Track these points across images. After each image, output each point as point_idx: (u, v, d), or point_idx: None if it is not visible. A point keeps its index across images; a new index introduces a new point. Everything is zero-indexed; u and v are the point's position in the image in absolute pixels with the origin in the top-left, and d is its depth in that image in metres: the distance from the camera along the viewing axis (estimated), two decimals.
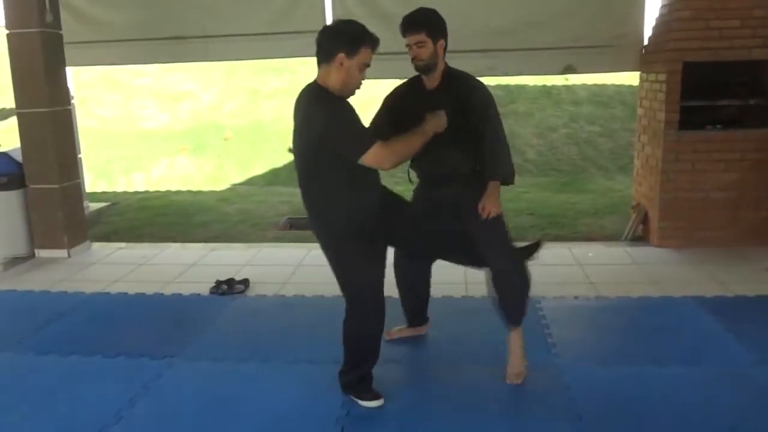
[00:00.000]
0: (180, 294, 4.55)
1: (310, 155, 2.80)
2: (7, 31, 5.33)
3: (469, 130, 3.08)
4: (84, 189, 6.73)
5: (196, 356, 3.60)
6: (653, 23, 5.34)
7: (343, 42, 2.72)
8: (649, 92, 5.41)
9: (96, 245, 5.91)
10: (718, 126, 5.09)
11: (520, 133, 10.36)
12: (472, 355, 3.52)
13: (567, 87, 11.96)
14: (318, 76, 2.80)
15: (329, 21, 5.25)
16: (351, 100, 2.84)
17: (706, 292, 4.26)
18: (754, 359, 3.35)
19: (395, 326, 3.62)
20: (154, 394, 3.21)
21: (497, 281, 3.17)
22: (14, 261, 5.43)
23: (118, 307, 4.40)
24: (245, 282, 4.64)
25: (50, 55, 5.38)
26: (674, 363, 3.34)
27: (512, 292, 3.18)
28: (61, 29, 5.48)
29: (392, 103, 3.26)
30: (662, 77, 5.07)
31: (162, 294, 4.57)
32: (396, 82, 3.35)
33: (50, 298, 4.57)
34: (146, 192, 9.07)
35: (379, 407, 3.01)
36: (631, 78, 9.75)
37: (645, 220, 5.53)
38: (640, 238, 5.57)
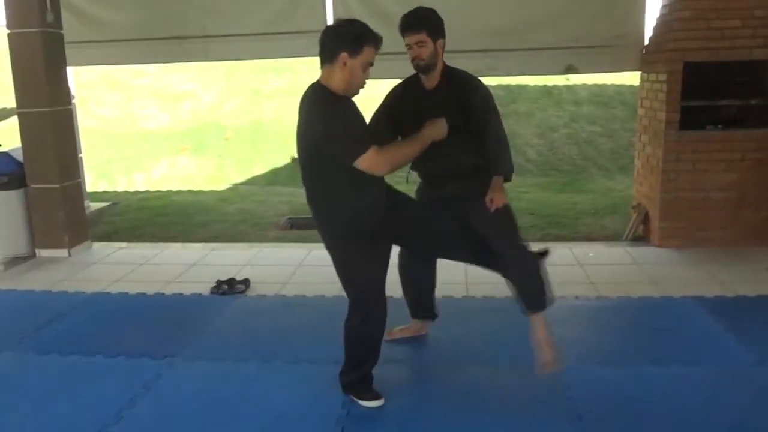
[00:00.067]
0: (180, 294, 4.55)
1: (312, 155, 2.80)
2: (8, 31, 5.33)
3: (469, 130, 3.08)
4: (85, 189, 6.72)
5: (197, 356, 3.60)
6: (654, 23, 5.34)
7: (346, 42, 2.71)
8: (649, 92, 5.41)
9: (97, 245, 5.92)
10: (719, 126, 5.09)
11: (520, 133, 10.36)
12: (472, 355, 3.53)
13: (568, 87, 11.96)
14: (321, 76, 2.80)
15: (330, 21, 5.24)
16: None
17: (706, 292, 4.26)
18: (755, 359, 3.35)
19: (396, 326, 3.61)
20: (154, 394, 3.21)
21: (511, 271, 3.17)
22: (15, 261, 5.43)
23: (119, 306, 4.40)
24: (246, 282, 4.64)
25: (51, 54, 5.39)
26: (675, 363, 3.34)
27: (528, 279, 3.18)
28: (61, 29, 5.49)
29: (391, 103, 3.26)
30: (663, 77, 5.07)
31: (162, 294, 4.57)
32: (396, 82, 3.35)
33: (51, 297, 4.58)
34: (147, 192, 9.07)
35: (380, 407, 3.01)
36: (631, 78, 9.75)
37: (645, 220, 5.53)
38: (640, 238, 5.57)
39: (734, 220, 5.15)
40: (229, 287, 4.56)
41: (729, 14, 4.88)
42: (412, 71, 3.17)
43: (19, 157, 5.53)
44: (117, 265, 5.26)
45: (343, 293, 3.04)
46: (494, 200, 3.00)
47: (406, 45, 3.05)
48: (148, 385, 3.28)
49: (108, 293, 4.61)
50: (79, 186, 5.92)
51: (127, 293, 4.59)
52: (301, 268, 5.03)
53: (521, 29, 5.23)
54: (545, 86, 11.96)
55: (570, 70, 5.35)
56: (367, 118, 3.01)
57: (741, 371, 3.26)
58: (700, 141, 5.07)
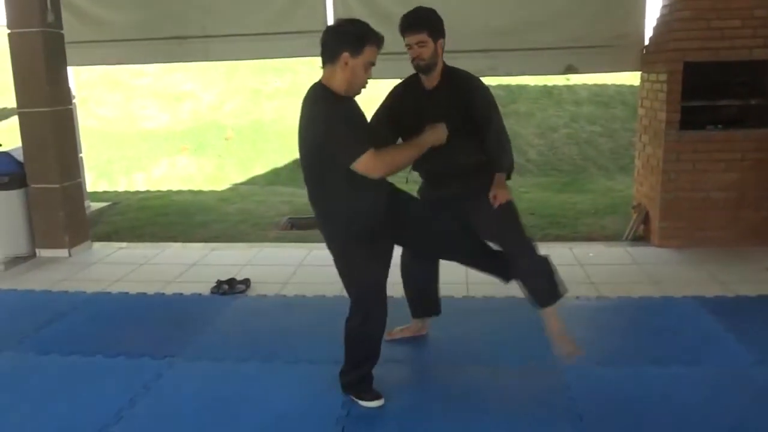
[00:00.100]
0: (181, 294, 4.56)
1: (313, 155, 2.80)
2: (9, 31, 5.33)
3: (468, 130, 3.08)
4: (85, 188, 6.73)
5: (197, 356, 3.60)
6: (654, 23, 5.34)
7: (348, 41, 2.71)
8: (650, 92, 5.41)
9: (97, 245, 5.92)
10: (719, 126, 5.09)
11: (521, 133, 10.35)
12: (472, 355, 3.53)
13: (568, 87, 11.96)
14: (323, 76, 2.80)
15: (330, 21, 5.25)
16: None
17: (706, 292, 4.26)
18: (755, 359, 3.35)
19: (396, 326, 3.61)
20: (154, 394, 3.22)
21: (518, 267, 3.17)
22: (15, 260, 5.43)
23: (119, 306, 4.40)
24: (246, 282, 4.64)
25: (51, 54, 5.39)
26: (675, 363, 3.34)
27: (535, 274, 3.18)
28: (62, 29, 5.49)
29: (392, 103, 3.26)
30: (663, 77, 5.07)
31: (163, 294, 4.57)
32: (395, 82, 3.35)
33: (51, 297, 4.58)
34: (147, 192, 9.08)
35: (380, 407, 3.01)
36: (632, 78, 9.75)
37: (646, 220, 5.53)
38: (640, 238, 5.57)
39: (734, 220, 5.15)
40: (230, 287, 4.57)
41: (729, 14, 4.88)
42: (411, 71, 3.17)
43: (20, 156, 5.53)
44: (117, 265, 5.26)
45: (344, 293, 3.04)
46: (497, 196, 3.01)
47: (407, 45, 3.05)
48: (148, 385, 3.28)
49: (108, 293, 4.62)
50: (80, 186, 5.92)
51: (127, 293, 4.59)
52: (302, 268, 5.03)
53: (521, 29, 5.24)
54: (545, 86, 11.95)
55: (570, 70, 5.36)
56: (369, 118, 3.02)
57: (741, 371, 3.26)
58: (701, 141, 5.07)
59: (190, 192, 8.95)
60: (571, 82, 11.96)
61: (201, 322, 4.04)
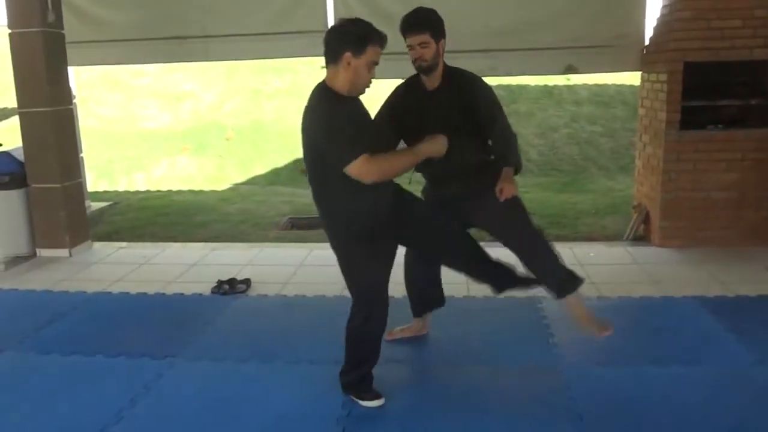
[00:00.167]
0: (181, 294, 4.56)
1: (315, 155, 2.80)
2: (9, 31, 5.33)
3: (470, 129, 3.09)
4: (85, 188, 6.73)
5: (197, 356, 3.60)
6: (654, 23, 5.33)
7: (350, 41, 2.71)
8: (650, 92, 5.41)
9: (97, 245, 5.92)
10: (720, 126, 5.09)
11: (521, 133, 10.35)
12: (473, 355, 3.53)
13: (568, 87, 11.96)
14: (326, 76, 2.80)
15: (331, 20, 5.24)
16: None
17: (707, 292, 4.26)
18: (755, 359, 3.35)
19: (396, 326, 3.61)
20: (155, 394, 3.22)
21: (529, 260, 3.18)
22: (16, 260, 5.44)
23: (120, 306, 4.40)
24: (247, 282, 4.64)
25: (52, 54, 5.39)
26: (675, 363, 3.34)
27: (548, 263, 3.18)
28: (62, 29, 5.49)
29: (394, 102, 3.25)
30: (663, 77, 5.07)
31: (163, 294, 4.57)
32: (396, 82, 3.34)
33: (51, 297, 4.58)
34: (147, 192, 9.08)
35: (380, 407, 3.01)
36: (632, 78, 9.74)
37: (646, 220, 5.53)
38: (641, 238, 5.57)
39: (735, 220, 5.15)
40: (230, 287, 4.57)
41: (729, 14, 4.87)
42: (412, 71, 3.16)
43: (20, 156, 5.54)
44: (118, 265, 5.26)
45: (344, 293, 3.05)
46: (504, 190, 2.99)
47: (408, 46, 3.04)
48: (148, 385, 3.28)
49: (109, 293, 4.62)
50: (80, 186, 5.92)
51: (127, 293, 4.59)
52: (302, 268, 5.04)
53: (521, 29, 5.23)
54: (546, 86, 11.95)
55: (570, 70, 5.36)
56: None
57: (741, 371, 3.26)
58: (701, 141, 5.07)
59: (191, 192, 8.95)
60: (571, 82, 11.96)
61: (201, 322, 4.04)
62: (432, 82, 3.14)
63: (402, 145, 3.16)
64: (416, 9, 3.07)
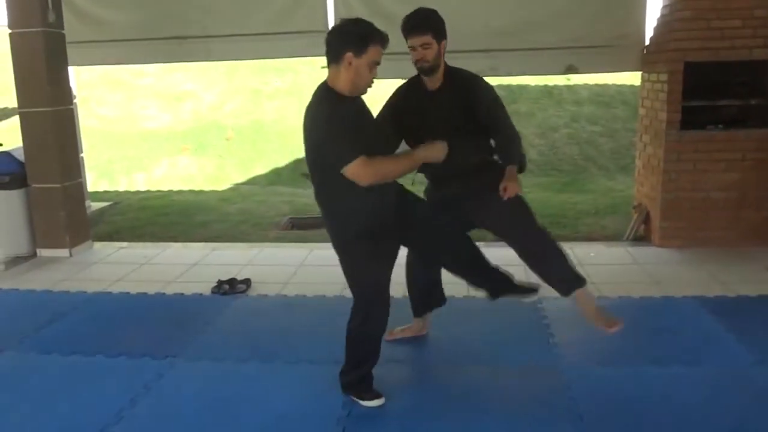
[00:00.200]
0: (182, 294, 4.56)
1: (316, 155, 2.80)
2: (10, 31, 5.34)
3: (471, 129, 3.09)
4: (86, 188, 6.73)
5: (198, 356, 3.60)
6: (654, 23, 5.33)
7: (351, 41, 2.71)
8: (650, 92, 5.41)
9: (98, 245, 5.92)
10: (720, 126, 5.09)
11: (521, 133, 10.28)
12: (473, 355, 3.53)
13: (569, 87, 11.96)
14: (328, 76, 2.80)
15: (331, 20, 5.24)
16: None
17: (707, 292, 4.26)
18: (755, 359, 3.35)
19: (397, 326, 3.61)
20: (155, 394, 3.22)
21: (535, 260, 3.18)
22: (16, 260, 5.44)
23: (120, 306, 4.41)
24: (247, 282, 4.64)
25: (52, 54, 5.39)
26: (675, 363, 3.34)
27: (554, 263, 3.18)
28: (63, 29, 5.49)
29: (396, 102, 3.24)
30: (664, 77, 5.07)
31: (164, 294, 4.57)
32: (397, 82, 3.34)
33: (52, 297, 4.58)
34: (148, 192, 9.08)
35: (380, 407, 3.01)
36: (632, 78, 9.74)
37: (646, 220, 5.53)
38: (641, 238, 5.57)
39: (735, 220, 5.15)
40: (231, 287, 4.57)
41: (729, 14, 4.88)
42: (412, 71, 3.16)
43: (21, 156, 5.54)
44: (118, 265, 5.26)
45: (344, 293, 3.05)
46: (508, 189, 2.98)
47: (410, 47, 3.03)
48: (148, 385, 3.28)
49: (109, 293, 4.62)
50: (80, 186, 5.92)
51: (128, 293, 4.60)
52: (302, 268, 5.04)
53: (522, 29, 5.24)
54: (546, 86, 11.95)
55: (570, 70, 5.36)
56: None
57: (741, 371, 3.26)
58: (701, 141, 5.07)
59: (191, 192, 8.95)
60: (571, 82, 11.96)
61: (202, 322, 4.04)
62: (433, 82, 3.13)
63: (403, 145, 3.16)
64: (417, 10, 3.06)
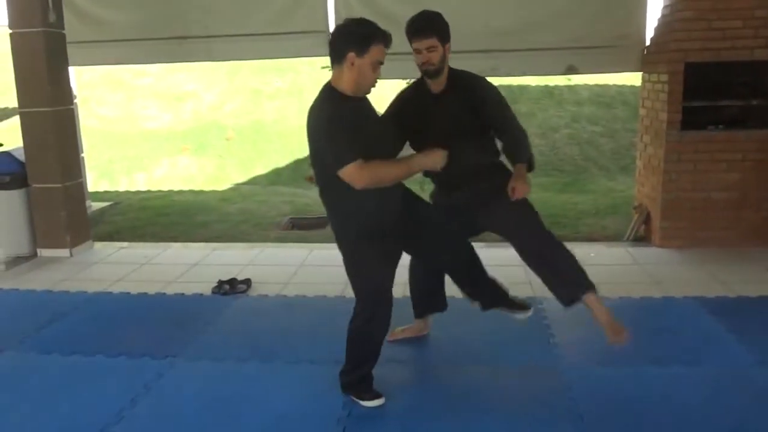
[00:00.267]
0: (182, 294, 4.56)
1: (319, 156, 2.79)
2: (10, 31, 5.34)
3: (476, 131, 3.09)
4: (86, 188, 6.73)
5: (198, 356, 3.60)
6: (655, 24, 5.33)
7: (353, 41, 2.71)
8: (651, 93, 5.41)
9: (98, 245, 5.93)
10: (720, 126, 5.09)
11: None
12: (473, 355, 3.53)
13: (569, 87, 11.96)
14: (332, 76, 2.80)
15: (332, 21, 5.24)
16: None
17: (707, 292, 4.26)
18: (755, 360, 3.35)
19: (398, 326, 3.61)
20: (155, 394, 3.22)
21: (541, 260, 3.15)
22: (16, 260, 5.44)
23: (120, 306, 4.41)
24: (247, 282, 4.64)
25: (53, 54, 5.40)
26: (675, 363, 3.34)
27: (562, 262, 3.16)
28: (63, 29, 5.49)
29: (399, 107, 3.23)
30: (664, 78, 5.06)
31: (164, 294, 4.57)
32: (400, 82, 3.34)
33: (52, 297, 4.58)
34: (148, 192, 9.09)
35: (380, 407, 3.01)
36: (633, 78, 9.74)
37: (647, 220, 5.53)
38: (642, 239, 5.56)
39: (736, 221, 5.15)
40: (231, 287, 4.57)
41: (730, 15, 4.87)
42: (415, 71, 3.14)
43: (21, 156, 5.54)
44: (118, 265, 5.26)
45: (345, 293, 3.05)
46: (516, 189, 2.97)
47: (415, 50, 3.01)
48: (149, 385, 3.28)
49: (109, 293, 4.62)
50: (81, 186, 5.93)
51: (128, 293, 4.60)
52: (303, 268, 5.03)
53: (522, 29, 5.23)
54: (547, 86, 11.95)
55: (571, 70, 5.35)
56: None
57: (741, 372, 3.26)
58: (702, 141, 5.07)
59: (191, 192, 8.96)
60: (572, 83, 11.96)
61: (202, 322, 4.04)
62: (438, 85, 3.12)
63: (407, 149, 3.15)
64: (422, 12, 3.04)
